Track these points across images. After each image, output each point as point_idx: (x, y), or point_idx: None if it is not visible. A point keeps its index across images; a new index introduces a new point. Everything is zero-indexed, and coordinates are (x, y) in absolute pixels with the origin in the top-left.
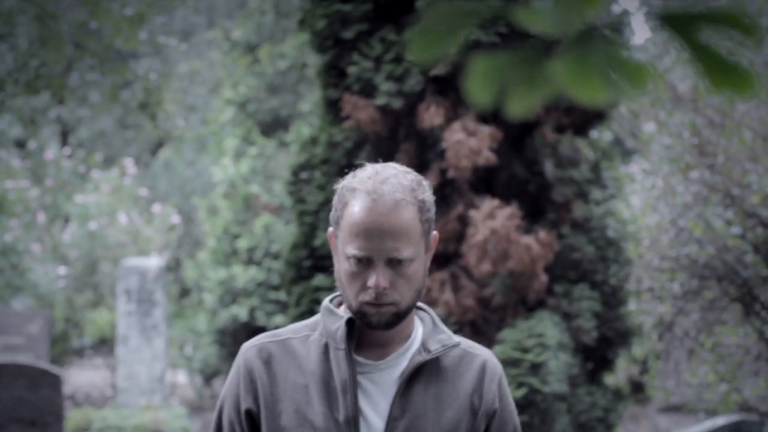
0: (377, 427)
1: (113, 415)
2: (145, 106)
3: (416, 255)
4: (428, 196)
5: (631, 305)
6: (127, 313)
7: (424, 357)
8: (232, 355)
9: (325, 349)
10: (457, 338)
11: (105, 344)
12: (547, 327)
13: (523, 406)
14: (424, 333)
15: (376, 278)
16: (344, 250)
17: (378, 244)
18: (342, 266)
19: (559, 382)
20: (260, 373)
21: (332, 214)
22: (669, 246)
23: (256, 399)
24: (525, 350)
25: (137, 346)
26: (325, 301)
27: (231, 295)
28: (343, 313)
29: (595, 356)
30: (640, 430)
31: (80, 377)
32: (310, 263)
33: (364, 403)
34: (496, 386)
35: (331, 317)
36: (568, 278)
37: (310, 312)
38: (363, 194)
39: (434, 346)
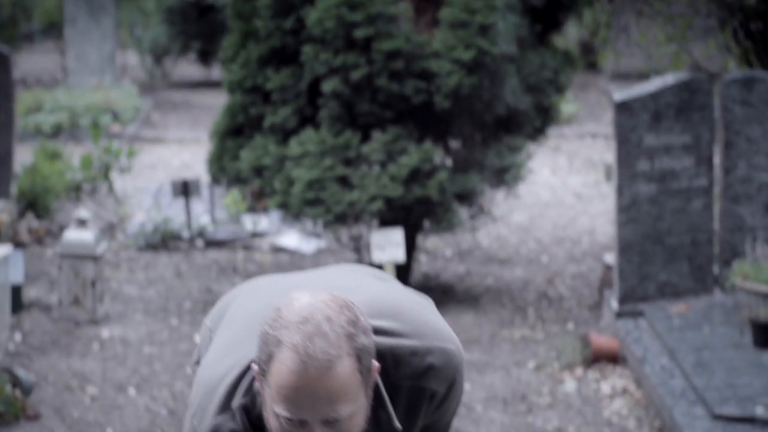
0: None
1: (64, 95)
2: None
3: (356, 407)
4: (366, 340)
5: None
6: None
7: None
8: (181, 33)
9: None
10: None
11: (54, 28)
12: None
13: (471, 68)
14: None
15: None
16: (273, 407)
17: (311, 408)
18: (271, 418)
19: (507, 43)
20: None
21: (258, 358)
22: None
23: None
24: (472, 12)
25: (85, 27)
26: (238, 399)
27: None
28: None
29: (544, 18)
30: (590, 97)
31: (30, 62)
32: None
33: None
34: (436, 403)
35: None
36: None
37: None
38: (291, 353)
39: None
